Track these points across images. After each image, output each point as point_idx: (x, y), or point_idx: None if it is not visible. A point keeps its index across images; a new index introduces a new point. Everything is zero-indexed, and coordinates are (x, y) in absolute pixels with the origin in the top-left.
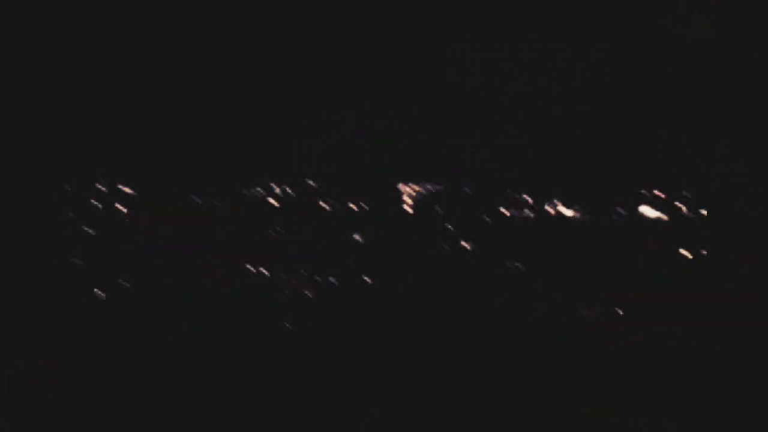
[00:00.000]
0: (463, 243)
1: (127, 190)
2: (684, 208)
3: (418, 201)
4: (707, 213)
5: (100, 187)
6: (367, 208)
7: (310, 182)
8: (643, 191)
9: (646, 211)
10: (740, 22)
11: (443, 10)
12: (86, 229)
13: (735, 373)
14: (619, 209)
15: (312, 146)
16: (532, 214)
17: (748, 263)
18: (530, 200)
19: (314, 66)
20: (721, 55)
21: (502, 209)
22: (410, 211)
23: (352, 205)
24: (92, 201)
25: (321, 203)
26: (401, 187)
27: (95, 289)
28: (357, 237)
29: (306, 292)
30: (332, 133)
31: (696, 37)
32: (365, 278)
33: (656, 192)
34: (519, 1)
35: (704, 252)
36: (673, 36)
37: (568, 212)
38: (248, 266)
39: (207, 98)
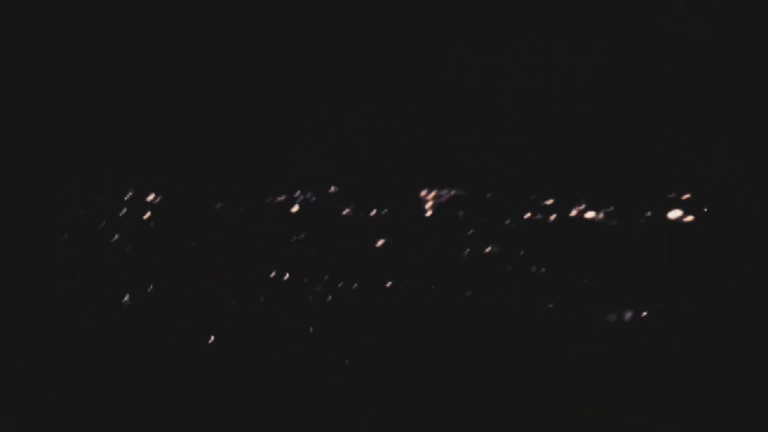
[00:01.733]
0: (485, 247)
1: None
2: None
3: (438, 206)
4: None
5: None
6: (384, 212)
7: (330, 187)
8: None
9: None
10: (740, 22)
11: (443, 10)
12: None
13: (735, 374)
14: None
15: (312, 146)
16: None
17: (748, 264)
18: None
19: (314, 66)
20: (721, 55)
21: (525, 214)
22: (430, 215)
23: (372, 213)
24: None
25: (343, 210)
26: (423, 193)
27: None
28: (379, 242)
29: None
30: (332, 133)
31: (696, 37)
32: (384, 283)
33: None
34: (519, 1)
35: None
36: (673, 36)
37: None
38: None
39: (206, 98)
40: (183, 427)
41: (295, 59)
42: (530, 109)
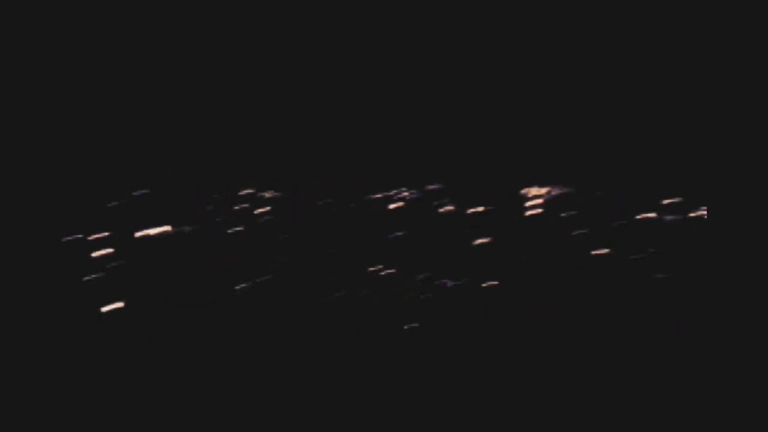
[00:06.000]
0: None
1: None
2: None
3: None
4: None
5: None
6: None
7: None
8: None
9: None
10: (740, 21)
11: (443, 10)
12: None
13: (734, 375)
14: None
15: (312, 146)
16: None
17: (748, 264)
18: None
19: (314, 66)
20: (721, 54)
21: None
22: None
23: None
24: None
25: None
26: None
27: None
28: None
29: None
30: (332, 133)
31: (695, 36)
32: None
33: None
34: (519, 1)
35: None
36: (673, 36)
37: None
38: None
39: (207, 98)
40: (183, 427)
41: (295, 59)
42: (531, 108)
